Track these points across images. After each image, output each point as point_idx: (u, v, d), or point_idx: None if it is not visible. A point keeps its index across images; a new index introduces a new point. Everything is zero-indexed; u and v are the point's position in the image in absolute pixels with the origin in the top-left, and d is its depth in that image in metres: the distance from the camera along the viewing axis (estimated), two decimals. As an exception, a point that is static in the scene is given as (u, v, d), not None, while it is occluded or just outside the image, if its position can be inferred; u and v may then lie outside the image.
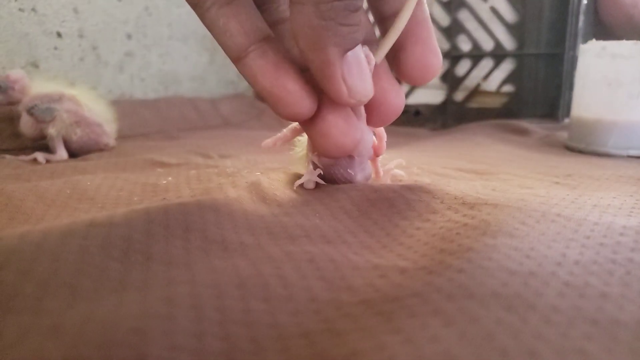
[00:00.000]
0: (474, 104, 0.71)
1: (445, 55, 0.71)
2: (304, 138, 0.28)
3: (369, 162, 0.29)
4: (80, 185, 0.29)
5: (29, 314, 0.13)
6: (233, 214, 0.21)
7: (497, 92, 0.69)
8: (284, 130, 0.28)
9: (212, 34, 0.20)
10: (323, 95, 0.21)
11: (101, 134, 0.50)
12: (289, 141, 0.28)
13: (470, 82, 0.70)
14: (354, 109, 0.22)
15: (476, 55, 0.69)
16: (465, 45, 0.70)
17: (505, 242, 0.17)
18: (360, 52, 0.19)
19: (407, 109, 0.76)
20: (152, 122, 0.69)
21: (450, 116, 0.72)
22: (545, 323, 0.12)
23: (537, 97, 0.67)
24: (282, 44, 0.21)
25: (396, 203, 0.23)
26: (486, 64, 0.69)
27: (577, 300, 0.13)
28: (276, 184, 0.26)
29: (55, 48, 0.61)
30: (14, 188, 0.28)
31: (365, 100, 0.20)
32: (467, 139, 0.53)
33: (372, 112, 0.23)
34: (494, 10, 0.67)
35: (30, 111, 0.48)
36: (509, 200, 0.22)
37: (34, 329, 0.12)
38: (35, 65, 0.59)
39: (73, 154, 0.48)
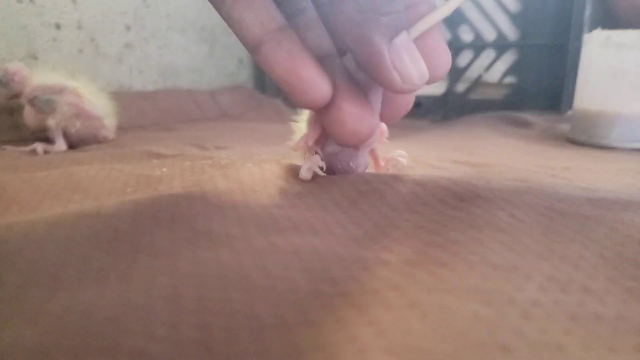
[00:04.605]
0: (476, 95, 0.70)
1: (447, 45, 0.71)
2: (302, 126, 0.28)
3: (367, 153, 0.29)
4: (75, 177, 0.29)
5: (11, 303, 0.13)
6: (222, 206, 0.21)
7: (499, 84, 0.68)
8: (308, 129, 0.26)
9: (229, 26, 0.21)
10: (338, 83, 0.21)
11: (100, 127, 0.50)
12: (315, 138, 0.26)
13: (472, 73, 0.70)
14: (370, 98, 0.23)
15: (478, 46, 0.68)
16: (467, 36, 0.69)
17: (492, 236, 0.17)
18: (407, 38, 0.19)
19: (409, 101, 0.76)
20: (151, 114, 0.69)
21: (451, 108, 0.71)
22: (524, 318, 0.12)
23: (540, 89, 0.67)
24: (298, 34, 0.21)
25: (387, 195, 0.23)
26: (488, 54, 0.68)
27: (559, 294, 0.13)
28: (268, 176, 0.26)
29: (54, 40, 0.61)
30: (10, 179, 0.28)
31: (421, 84, 0.20)
32: (466, 131, 0.52)
33: (382, 106, 0.24)
34: (497, 0, 0.67)
35: (31, 102, 0.48)
36: (501, 193, 0.22)
37: (14, 317, 0.12)
38: (34, 57, 0.59)
39: (72, 145, 0.49)
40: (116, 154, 0.41)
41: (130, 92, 0.72)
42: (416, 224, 0.19)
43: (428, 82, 0.24)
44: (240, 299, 0.13)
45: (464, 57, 0.69)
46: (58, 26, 0.61)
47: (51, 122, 0.47)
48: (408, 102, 0.24)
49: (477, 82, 0.70)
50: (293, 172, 0.27)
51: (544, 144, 0.46)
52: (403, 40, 0.19)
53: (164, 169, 0.32)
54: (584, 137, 0.48)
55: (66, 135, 0.48)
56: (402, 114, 0.25)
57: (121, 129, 0.57)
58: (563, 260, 0.15)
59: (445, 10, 0.21)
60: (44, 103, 0.47)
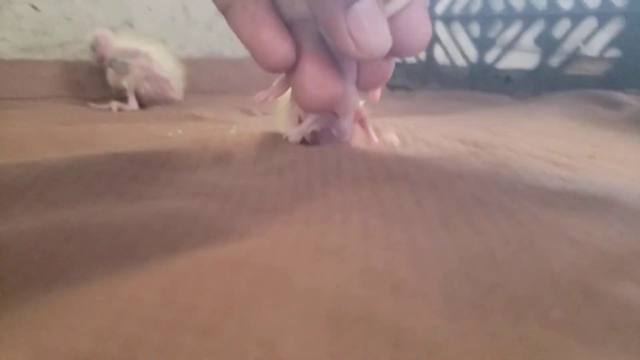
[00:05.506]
0: (572, 70, 0.62)
1: (541, 14, 0.63)
2: (288, 92, 0.28)
3: (357, 125, 0.28)
4: (97, 132, 0.33)
5: None
6: (163, 167, 0.22)
7: (600, 58, 0.59)
8: (274, 84, 0.27)
9: None
10: (305, 47, 0.21)
11: (168, 89, 0.55)
12: (279, 95, 0.27)
13: (569, 45, 0.61)
14: (341, 65, 0.22)
15: (577, 14, 0.60)
16: (565, 3, 0.61)
17: (362, 219, 0.16)
18: (371, 3, 0.19)
19: (497, 74, 0.70)
20: (234, 80, 0.73)
21: (543, 83, 0.64)
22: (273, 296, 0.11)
23: (649, 65, 0.57)
24: None
25: (329, 171, 0.22)
26: (589, 23, 0.59)
27: (349, 283, 0.12)
28: (242, 141, 0.27)
29: (149, 9, 0.67)
30: (31, 132, 0.32)
31: (379, 53, 0.20)
32: (534, 110, 0.47)
33: (358, 74, 0.23)
34: (606, -40, 0.57)
35: (110, 64, 0.54)
36: (439, 177, 0.20)
37: None
38: (130, 24, 0.65)
39: (143, 105, 0.54)
40: (162, 115, 0.45)
41: (220, 58, 0.77)
42: (327, 201, 0.19)
43: (404, 54, 0.22)
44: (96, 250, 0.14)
45: (561, 27, 0.61)
46: (151, -5, 0.67)
47: (125, 82, 0.53)
48: (384, 70, 0.23)
49: (575, 56, 0.61)
50: (269, 139, 0.27)
51: (614, 129, 0.39)
52: (366, 5, 0.18)
53: (179, 131, 0.35)
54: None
55: (137, 96, 0.54)
56: (379, 83, 0.23)
57: (201, 92, 0.62)
58: (404, 250, 0.13)
59: None
60: (120, 65, 0.53)
